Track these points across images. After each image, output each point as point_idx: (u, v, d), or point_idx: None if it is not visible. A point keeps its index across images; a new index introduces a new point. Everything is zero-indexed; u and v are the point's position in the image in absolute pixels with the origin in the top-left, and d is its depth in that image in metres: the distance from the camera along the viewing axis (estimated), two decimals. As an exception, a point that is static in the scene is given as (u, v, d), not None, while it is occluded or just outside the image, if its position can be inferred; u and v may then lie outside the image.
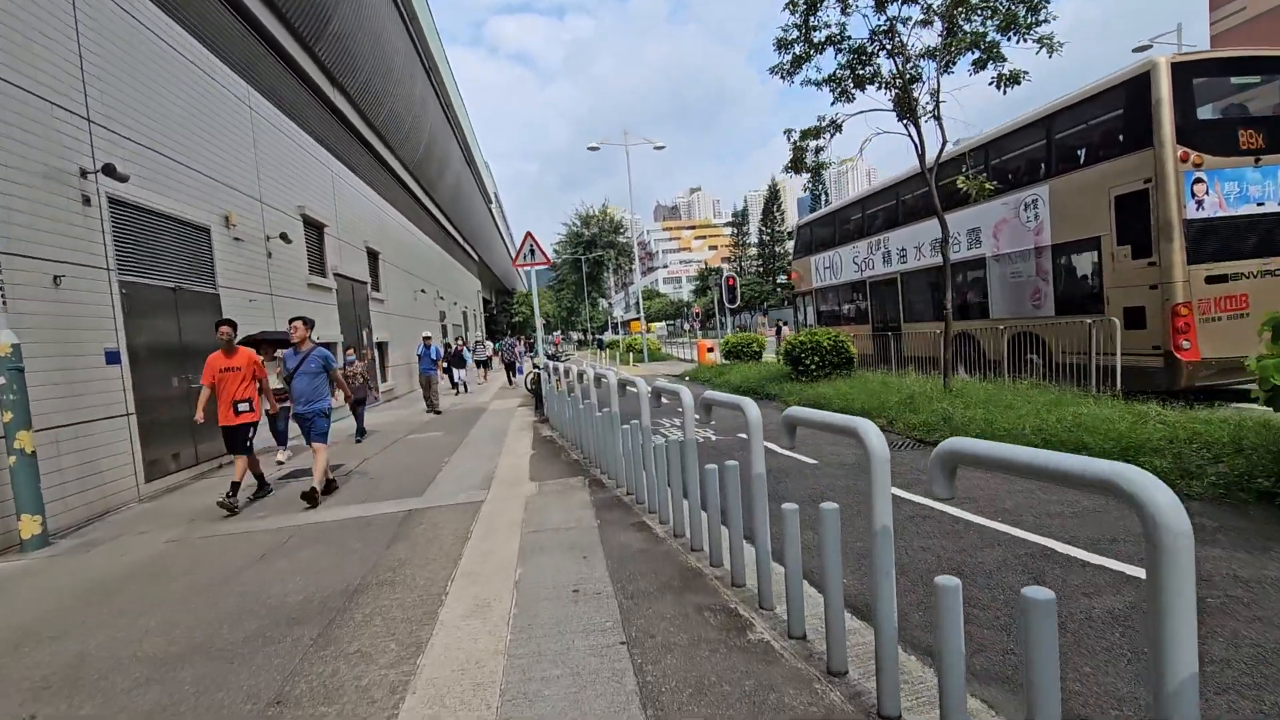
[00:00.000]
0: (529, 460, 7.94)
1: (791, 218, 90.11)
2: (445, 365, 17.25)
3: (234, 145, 10.42)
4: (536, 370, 12.89)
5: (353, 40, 15.47)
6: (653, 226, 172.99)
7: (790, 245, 78.03)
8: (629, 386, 5.82)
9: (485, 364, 19.73)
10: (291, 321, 6.73)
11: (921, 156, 8.65)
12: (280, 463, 8.86)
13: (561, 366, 9.27)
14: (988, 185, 8.43)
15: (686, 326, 59.45)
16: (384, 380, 18.22)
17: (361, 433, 10.89)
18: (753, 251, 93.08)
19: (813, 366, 12.16)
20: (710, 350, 21.60)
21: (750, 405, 3.35)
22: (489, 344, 36.55)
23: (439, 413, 13.51)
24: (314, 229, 13.90)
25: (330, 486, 6.78)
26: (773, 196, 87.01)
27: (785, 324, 56.46)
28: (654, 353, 32.59)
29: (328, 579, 4.18)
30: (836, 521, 2.60)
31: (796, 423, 2.82)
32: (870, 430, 2.31)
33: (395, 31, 18.78)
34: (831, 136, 9.18)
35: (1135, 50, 18.29)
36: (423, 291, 24.14)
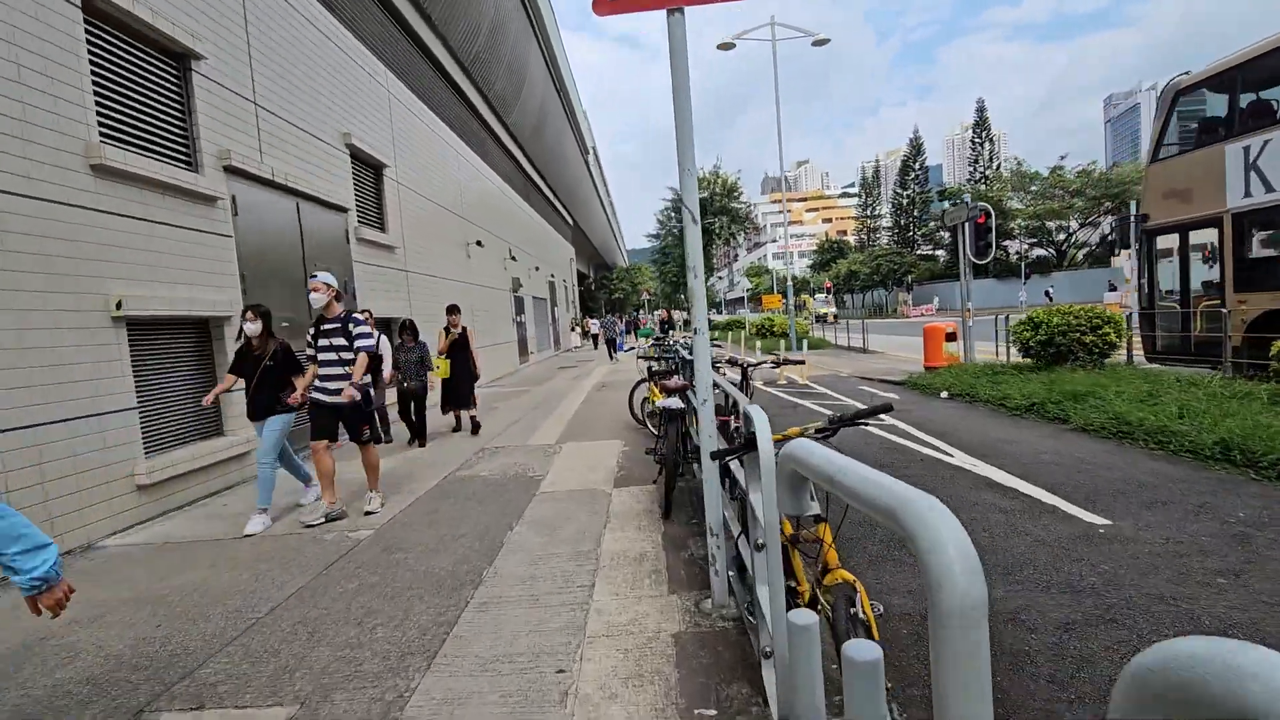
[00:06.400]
0: None
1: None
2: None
3: None
4: (669, 407, 4.44)
5: None
6: (760, 199, 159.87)
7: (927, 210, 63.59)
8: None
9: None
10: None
11: None
12: None
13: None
14: None
15: (825, 309, 49.09)
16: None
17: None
18: (885, 221, 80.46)
19: None
20: (951, 338, 12.22)
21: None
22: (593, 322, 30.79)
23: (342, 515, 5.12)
24: (151, 51, 6.01)
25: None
26: (915, 151, 73.61)
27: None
28: (802, 337, 23.31)
29: None
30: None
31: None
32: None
33: None
34: None
35: None
36: (478, 244, 16.26)
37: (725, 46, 21.73)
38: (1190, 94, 9.63)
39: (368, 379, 5.38)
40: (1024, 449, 5.98)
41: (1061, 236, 51.56)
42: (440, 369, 8.23)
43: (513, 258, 20.44)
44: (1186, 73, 9.73)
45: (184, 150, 6.30)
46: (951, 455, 5.85)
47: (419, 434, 8.08)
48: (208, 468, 6.17)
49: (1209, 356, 9.38)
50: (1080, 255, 52.56)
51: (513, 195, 22.51)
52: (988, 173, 60.30)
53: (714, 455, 2.34)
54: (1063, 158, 49.40)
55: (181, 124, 6.31)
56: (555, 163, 30.44)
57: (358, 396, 4.98)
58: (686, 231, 2.97)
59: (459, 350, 8.49)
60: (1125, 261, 19.69)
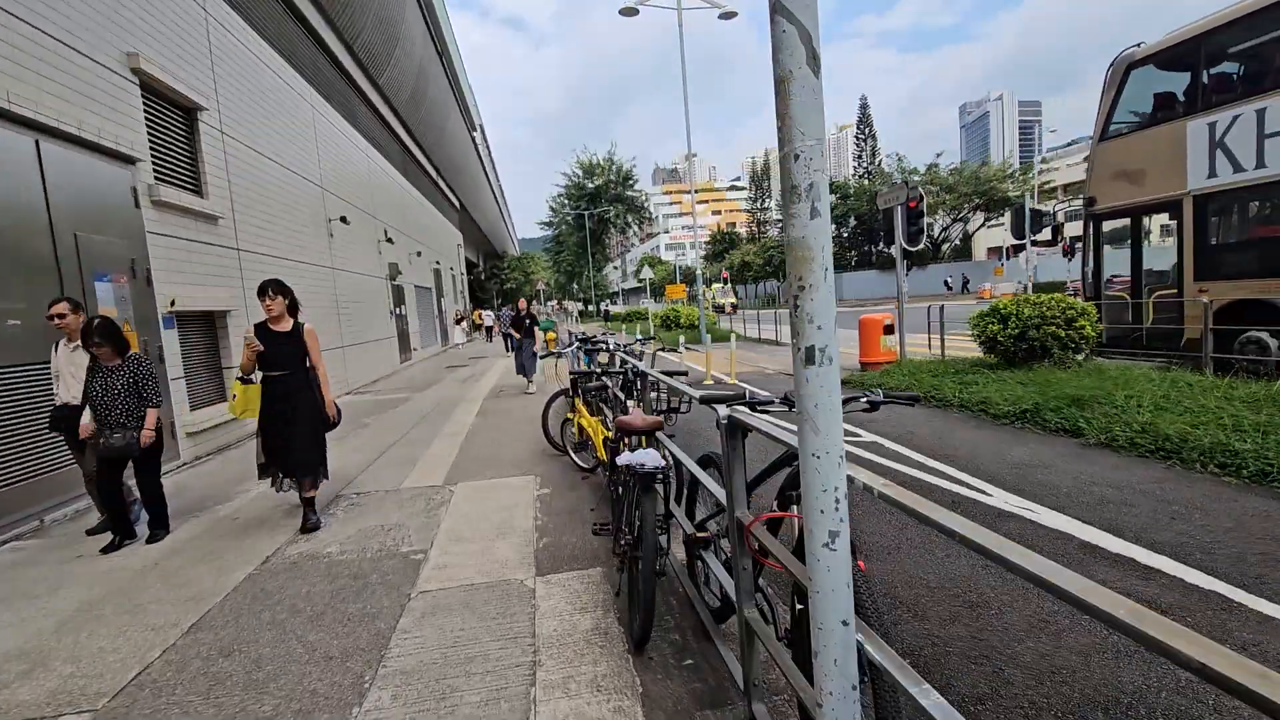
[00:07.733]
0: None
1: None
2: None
3: None
4: (639, 466, 2.51)
5: None
6: (652, 190, 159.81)
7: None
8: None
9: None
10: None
11: None
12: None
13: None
14: None
15: (725, 299, 48.96)
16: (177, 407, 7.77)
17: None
18: (774, 214, 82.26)
19: None
20: (889, 330, 11.19)
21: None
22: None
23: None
24: None
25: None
26: (802, 146, 75.19)
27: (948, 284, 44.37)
28: (711, 329, 22.11)
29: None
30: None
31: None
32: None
33: None
34: None
35: None
36: (343, 221, 13.45)
37: (628, 12, 19.93)
38: (1144, 67, 8.99)
39: None
40: (1064, 478, 4.69)
41: (936, 231, 54.46)
42: (236, 403, 4.42)
43: (389, 240, 17.59)
44: (1139, 44, 9.09)
45: None
46: (990, 494, 4.43)
47: (155, 519, 4.55)
48: None
49: (1162, 350, 8.84)
50: (947, 250, 55.93)
51: (388, 168, 19.52)
52: (870, 167, 62.74)
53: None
54: (938, 155, 52.09)
55: None
56: (438, 137, 27.34)
57: None
58: (792, 96, 1.13)
59: (287, 365, 4.46)
60: (1025, 255, 20.03)
